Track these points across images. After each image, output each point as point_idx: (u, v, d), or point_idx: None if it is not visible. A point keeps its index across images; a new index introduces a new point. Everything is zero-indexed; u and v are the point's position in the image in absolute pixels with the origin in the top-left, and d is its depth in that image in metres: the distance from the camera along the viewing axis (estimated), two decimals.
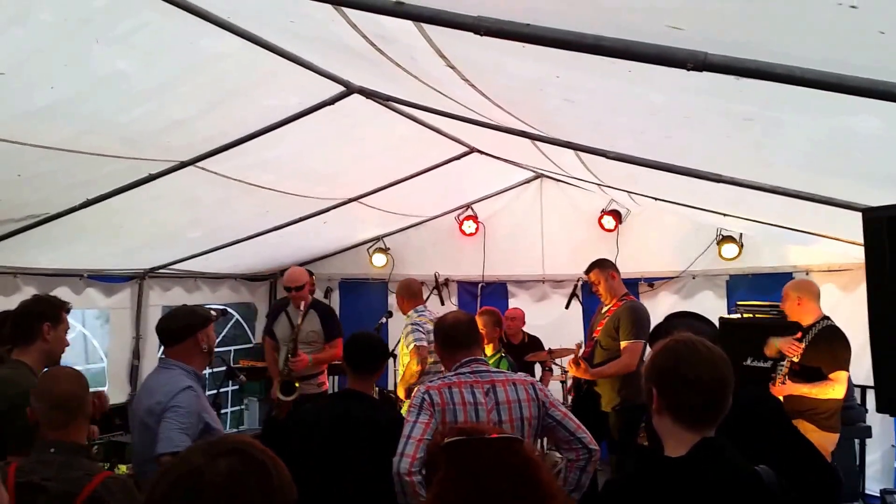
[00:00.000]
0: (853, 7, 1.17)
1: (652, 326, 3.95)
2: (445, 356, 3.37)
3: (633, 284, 7.49)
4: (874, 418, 5.72)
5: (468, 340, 3.32)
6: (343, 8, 2.26)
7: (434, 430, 2.99)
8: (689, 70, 1.74)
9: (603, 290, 5.60)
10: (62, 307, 3.52)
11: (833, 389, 4.64)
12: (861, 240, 2.55)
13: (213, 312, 3.66)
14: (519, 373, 3.48)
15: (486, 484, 1.42)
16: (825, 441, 4.60)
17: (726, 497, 1.83)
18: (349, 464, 3.28)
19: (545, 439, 4.33)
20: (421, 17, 2.02)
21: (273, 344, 6.27)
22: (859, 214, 2.59)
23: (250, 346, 8.60)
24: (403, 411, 4.78)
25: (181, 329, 3.45)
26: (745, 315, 5.95)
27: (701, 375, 1.92)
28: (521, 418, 3.12)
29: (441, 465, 1.54)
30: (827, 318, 4.88)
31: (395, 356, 6.52)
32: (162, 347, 7.16)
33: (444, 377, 3.26)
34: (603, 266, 5.63)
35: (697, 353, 1.94)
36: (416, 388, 3.28)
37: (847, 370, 4.68)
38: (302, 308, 6.01)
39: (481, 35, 1.90)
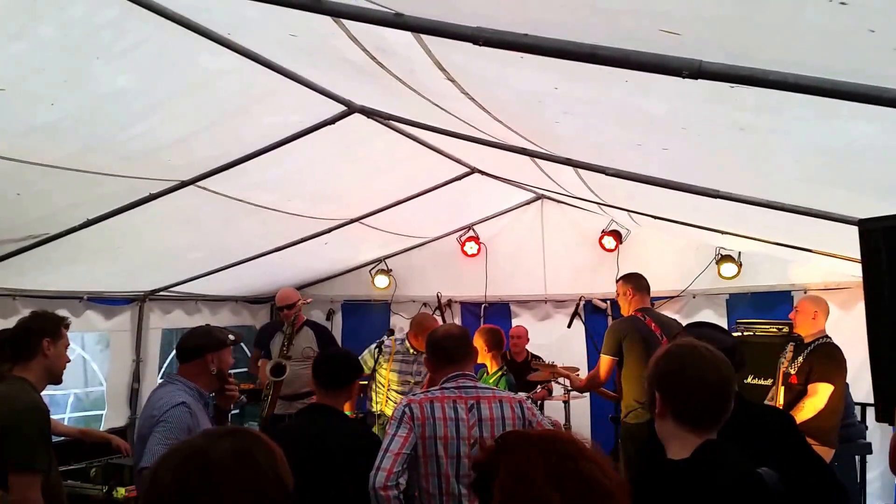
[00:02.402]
0: (843, 3, 1.19)
1: None
2: (435, 369, 3.34)
3: None
4: (875, 435, 5.70)
5: (458, 354, 3.28)
6: (343, 20, 2.29)
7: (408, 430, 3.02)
8: (684, 78, 1.76)
9: (620, 302, 5.71)
10: (61, 322, 3.53)
11: (803, 409, 4.69)
12: (857, 255, 2.57)
13: (231, 337, 3.68)
14: (520, 392, 3.46)
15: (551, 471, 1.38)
16: (825, 455, 4.64)
17: (730, 499, 1.83)
18: (329, 480, 3.24)
19: None
20: (421, 28, 2.05)
21: (259, 354, 6.58)
22: (855, 230, 2.62)
23: None
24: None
25: (193, 348, 3.53)
26: (746, 333, 5.97)
27: (704, 378, 1.93)
28: None
29: (503, 453, 1.48)
30: (827, 336, 4.97)
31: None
32: (161, 371, 7.23)
33: (428, 391, 3.24)
34: (625, 280, 5.70)
35: (700, 357, 1.96)
36: (400, 401, 3.27)
37: (831, 384, 4.72)
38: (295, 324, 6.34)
39: (480, 45, 1.93)
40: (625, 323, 5.44)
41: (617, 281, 5.80)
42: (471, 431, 3.06)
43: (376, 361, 5.93)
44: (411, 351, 5.81)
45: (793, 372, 4.94)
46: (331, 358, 3.69)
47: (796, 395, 4.83)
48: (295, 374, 6.17)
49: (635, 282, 5.62)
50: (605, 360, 5.32)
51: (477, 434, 3.05)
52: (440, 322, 6.32)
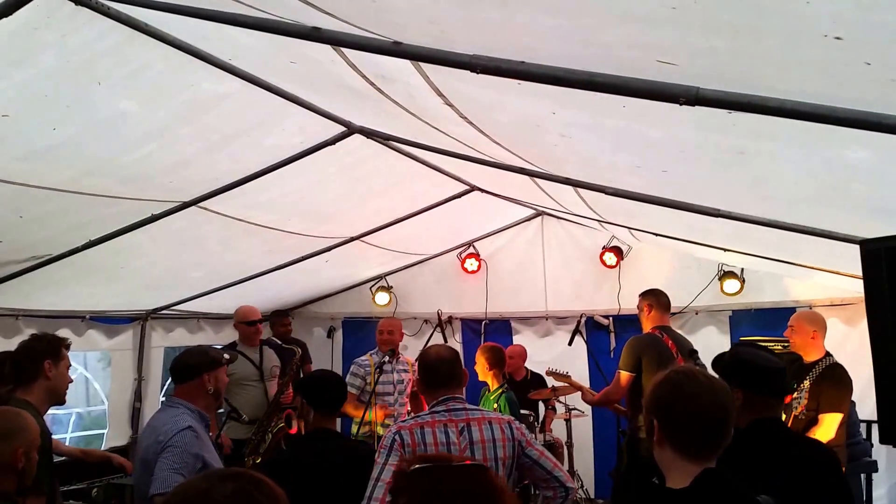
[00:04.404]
0: (838, 38, 1.20)
1: None
2: (425, 392, 3.32)
3: (637, 320, 7.48)
4: (880, 453, 5.63)
5: (449, 378, 3.26)
6: (342, 49, 2.31)
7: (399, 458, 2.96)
8: (681, 105, 1.76)
9: (640, 318, 5.68)
10: (62, 343, 3.55)
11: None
12: (860, 273, 2.56)
13: (226, 356, 3.67)
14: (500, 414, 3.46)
15: None
16: None
17: None
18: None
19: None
20: (418, 56, 2.07)
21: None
22: (858, 247, 2.61)
23: None
24: None
25: (189, 368, 3.53)
26: None
27: (702, 405, 1.92)
28: (494, 458, 3.08)
29: (405, 492, 1.53)
30: (830, 355, 4.77)
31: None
32: (163, 389, 7.21)
33: (417, 416, 3.20)
34: (644, 296, 5.67)
35: (698, 384, 1.95)
36: (388, 429, 3.22)
37: (841, 412, 4.55)
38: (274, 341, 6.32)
39: (477, 73, 1.94)
40: (644, 339, 5.39)
41: (638, 297, 5.74)
42: (463, 455, 3.04)
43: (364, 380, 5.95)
44: (385, 358, 5.78)
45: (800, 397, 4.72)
46: (324, 382, 3.63)
47: (806, 421, 4.63)
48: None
49: (654, 298, 5.58)
50: (624, 376, 5.24)
51: (469, 457, 3.02)
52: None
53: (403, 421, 3.18)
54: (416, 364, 3.49)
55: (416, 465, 1.59)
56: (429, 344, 7.54)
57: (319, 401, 3.51)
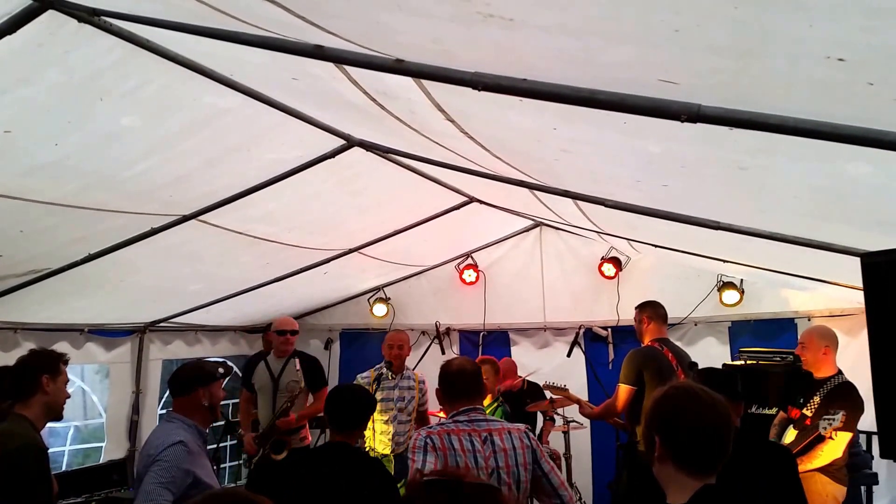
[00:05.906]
0: (841, 60, 1.20)
1: None
2: (445, 401, 3.38)
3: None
4: (881, 465, 5.57)
5: (471, 390, 3.34)
6: (345, 66, 2.32)
7: (414, 471, 3.02)
8: (682, 122, 1.77)
9: (637, 330, 5.64)
10: (60, 359, 3.56)
11: (820, 456, 4.44)
12: (861, 284, 2.57)
13: (220, 370, 3.69)
14: (516, 424, 3.50)
15: None
16: (839, 493, 4.48)
17: None
18: None
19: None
20: (420, 73, 2.08)
21: (249, 396, 6.20)
22: (858, 259, 2.62)
23: None
24: None
25: (183, 383, 3.58)
26: (749, 362, 5.91)
27: (703, 421, 1.92)
28: (516, 465, 3.19)
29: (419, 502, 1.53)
30: (841, 372, 4.69)
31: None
32: (161, 402, 7.19)
33: (441, 424, 3.28)
34: (641, 308, 5.63)
35: (699, 399, 1.95)
36: (416, 433, 3.28)
37: (852, 432, 4.48)
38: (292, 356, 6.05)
39: (479, 90, 1.95)
40: (644, 352, 5.34)
41: (635, 309, 5.72)
42: (487, 462, 3.13)
43: None
44: (391, 376, 5.70)
45: (809, 414, 4.61)
46: (346, 398, 3.58)
47: (810, 437, 4.50)
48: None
49: (652, 310, 5.54)
50: (624, 390, 5.19)
51: (493, 464, 3.14)
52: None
53: (430, 427, 3.27)
54: (437, 380, 3.48)
55: (431, 477, 1.58)
56: (425, 356, 7.58)
57: (331, 414, 3.50)
